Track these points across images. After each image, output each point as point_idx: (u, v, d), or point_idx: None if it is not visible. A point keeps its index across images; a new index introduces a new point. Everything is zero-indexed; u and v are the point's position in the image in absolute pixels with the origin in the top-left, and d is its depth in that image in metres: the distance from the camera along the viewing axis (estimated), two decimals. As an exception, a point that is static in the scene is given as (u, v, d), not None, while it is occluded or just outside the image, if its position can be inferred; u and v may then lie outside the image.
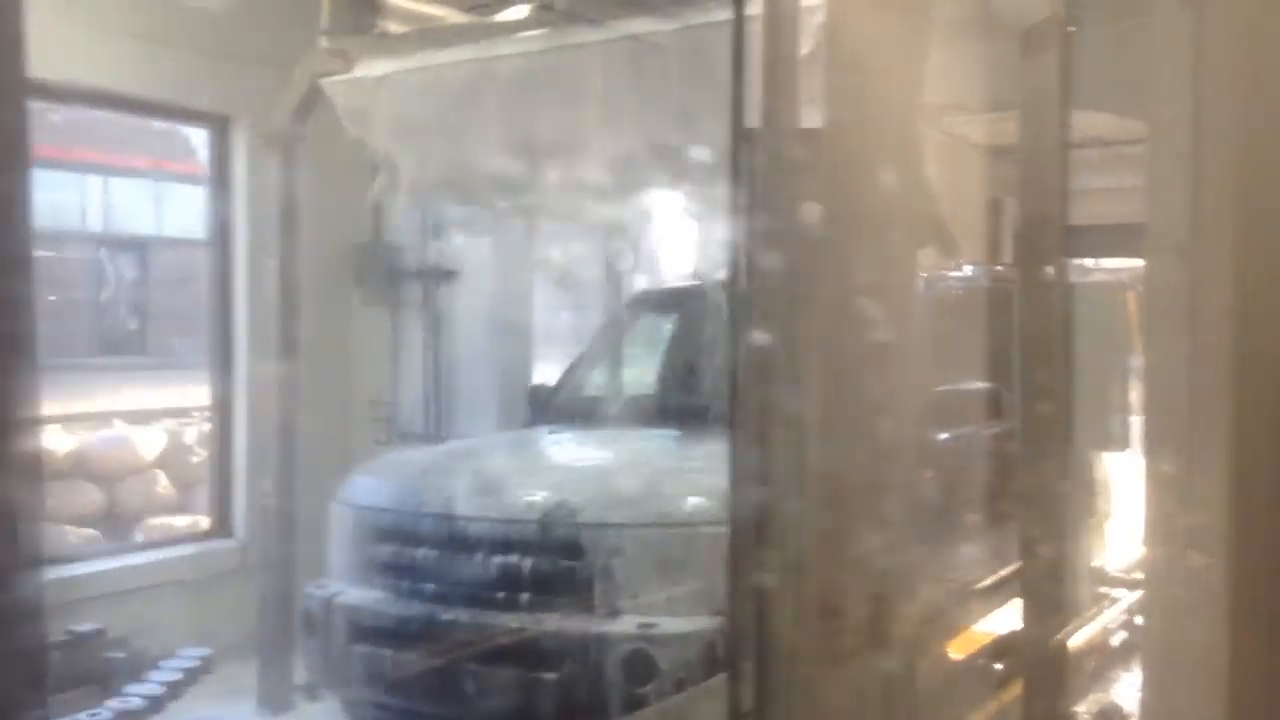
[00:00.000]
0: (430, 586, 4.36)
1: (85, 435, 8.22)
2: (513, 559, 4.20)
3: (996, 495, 4.86)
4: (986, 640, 5.05)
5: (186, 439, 8.41)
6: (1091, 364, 4.86)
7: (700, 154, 4.31)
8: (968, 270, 5.74)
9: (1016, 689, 4.84)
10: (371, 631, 4.45)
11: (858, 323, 2.99)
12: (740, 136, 2.47)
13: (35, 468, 1.13)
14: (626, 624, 3.99)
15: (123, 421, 8.64)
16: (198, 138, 6.88)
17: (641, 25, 4.63)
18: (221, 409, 6.79)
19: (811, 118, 2.96)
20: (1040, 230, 4.32)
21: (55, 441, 7.88)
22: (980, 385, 4.83)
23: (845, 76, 2.77)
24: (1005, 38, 4.22)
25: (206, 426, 7.29)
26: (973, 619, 4.88)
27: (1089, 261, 9.24)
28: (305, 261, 5.92)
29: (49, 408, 8.13)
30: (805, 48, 2.99)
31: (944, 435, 4.57)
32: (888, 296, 3.02)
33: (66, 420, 8.22)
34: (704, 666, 3.81)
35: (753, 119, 2.54)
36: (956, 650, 4.89)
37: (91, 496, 7.95)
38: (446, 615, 4.26)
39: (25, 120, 1.13)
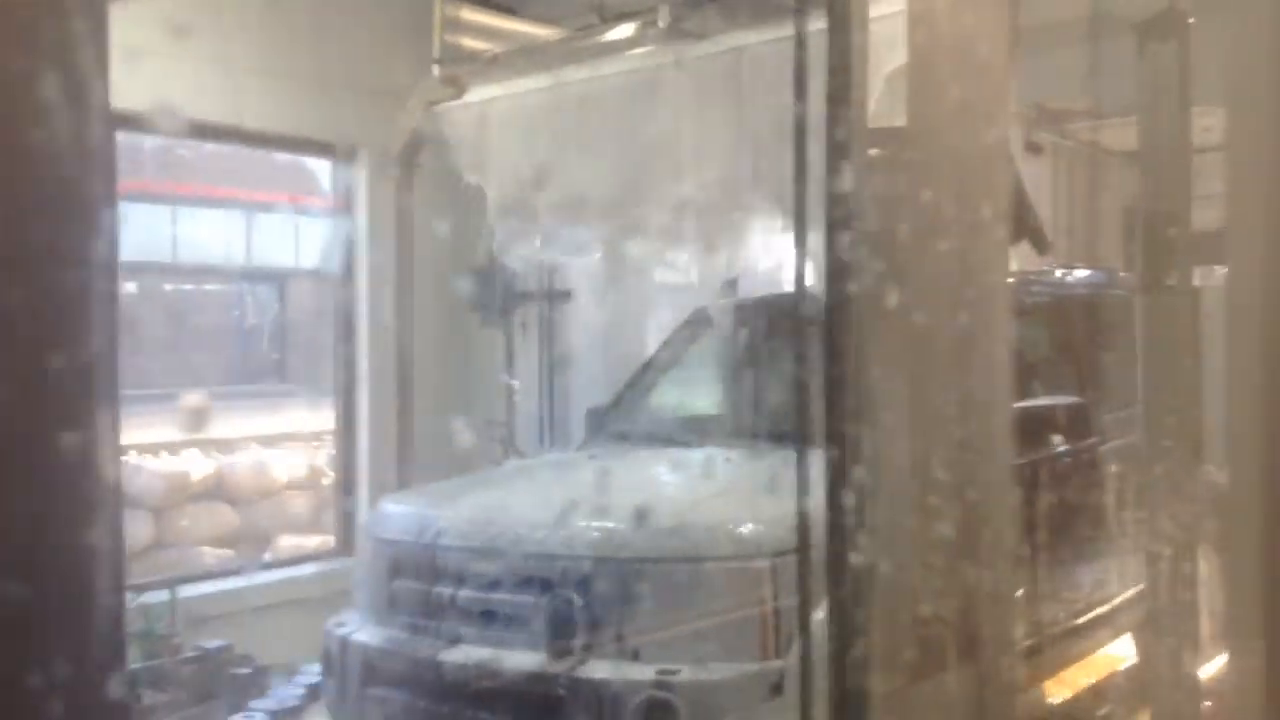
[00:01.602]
0: (438, 624, 4.00)
1: (222, 459, 8.55)
2: (524, 595, 3.80)
3: (1091, 520, 4.55)
4: (1092, 678, 4.76)
5: (317, 462, 8.67)
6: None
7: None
8: (1057, 274, 5.42)
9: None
10: (382, 673, 4.12)
11: (949, 325, 2.87)
12: (804, 147, 2.42)
13: (119, 493, 1.15)
14: (644, 671, 3.54)
15: (258, 445, 8.96)
16: (324, 171, 7.12)
17: (744, 38, 4.61)
18: (346, 432, 6.99)
19: (889, 119, 2.88)
20: (1163, 234, 4.11)
21: (194, 465, 8.22)
22: (1064, 400, 4.47)
23: (927, 79, 2.69)
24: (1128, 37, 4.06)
25: (334, 449, 7.51)
26: (1072, 655, 4.57)
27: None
28: (423, 287, 6.06)
29: (189, 432, 8.52)
30: (886, 54, 2.92)
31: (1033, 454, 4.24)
32: (979, 296, 2.90)
33: (204, 445, 8.56)
34: None
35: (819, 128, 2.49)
36: (1057, 689, 4.63)
37: (227, 517, 8.25)
38: (453, 656, 3.87)
39: (112, 151, 1.15)
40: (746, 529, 3.66)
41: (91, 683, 1.03)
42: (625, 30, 4.99)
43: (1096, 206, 5.76)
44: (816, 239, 2.99)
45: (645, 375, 5.49)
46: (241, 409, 9.68)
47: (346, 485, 7.01)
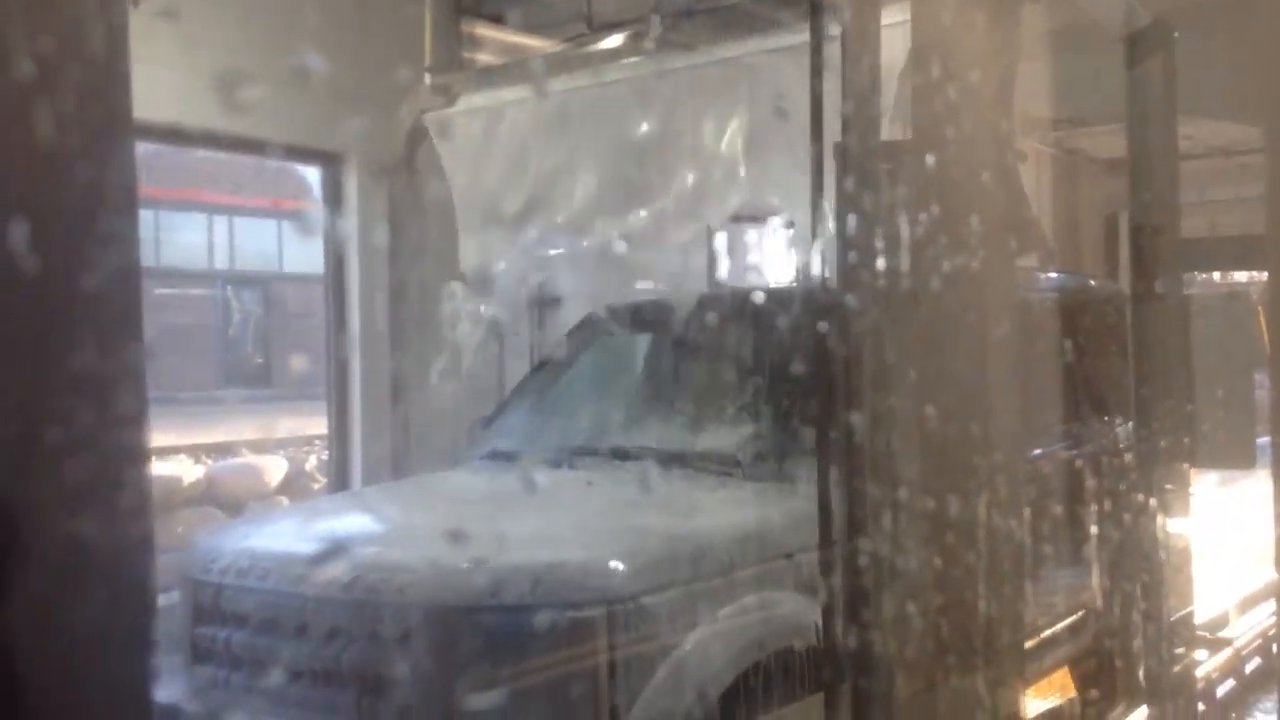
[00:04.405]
0: (234, 680, 3.49)
1: (213, 464, 8.55)
2: (327, 650, 3.22)
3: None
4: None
5: (308, 466, 8.68)
6: (1214, 379, 4.59)
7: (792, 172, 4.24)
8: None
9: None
10: None
11: (955, 336, 2.92)
12: (821, 153, 2.46)
13: (148, 498, 1.16)
14: None
15: (248, 450, 8.97)
16: (312, 176, 7.12)
17: (735, 49, 4.65)
18: (339, 437, 6.99)
19: (897, 132, 2.93)
20: (1152, 242, 4.18)
21: (185, 470, 8.21)
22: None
23: (933, 88, 2.73)
24: (1114, 48, 4.12)
25: (325, 454, 7.52)
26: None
27: (1216, 276, 8.89)
28: (415, 292, 6.07)
29: (179, 438, 8.51)
30: (891, 63, 2.96)
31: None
32: (986, 308, 2.95)
33: (195, 450, 8.55)
34: None
35: (834, 135, 2.52)
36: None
37: (219, 522, 8.26)
38: (250, 712, 3.39)
39: (133, 162, 1.17)
40: (577, 571, 3.10)
41: (120, 687, 1.03)
42: (615, 40, 5.03)
43: (1075, 213, 5.83)
44: (811, 244, 3.03)
45: (527, 386, 4.97)
46: (230, 413, 9.68)
47: (340, 489, 7.01)
